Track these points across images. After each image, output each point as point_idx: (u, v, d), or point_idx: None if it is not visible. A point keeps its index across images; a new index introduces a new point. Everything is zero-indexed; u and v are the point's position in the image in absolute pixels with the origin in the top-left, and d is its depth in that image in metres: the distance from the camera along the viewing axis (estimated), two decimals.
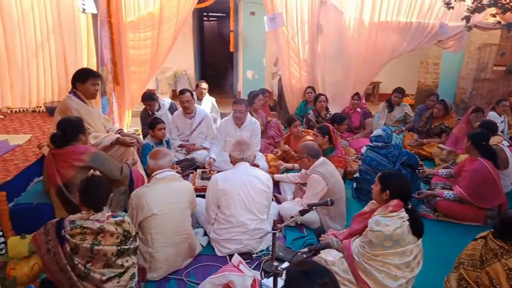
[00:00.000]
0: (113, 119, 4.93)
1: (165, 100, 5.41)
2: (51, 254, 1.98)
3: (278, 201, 3.53)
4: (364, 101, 5.50)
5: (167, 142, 4.31)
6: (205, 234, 2.99)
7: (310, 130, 4.75)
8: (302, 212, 2.44)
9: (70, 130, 2.76)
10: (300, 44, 5.70)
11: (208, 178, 3.74)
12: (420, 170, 3.97)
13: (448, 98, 5.46)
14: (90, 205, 2.06)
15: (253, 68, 7.82)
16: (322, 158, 3.18)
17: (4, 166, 3.02)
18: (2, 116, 4.48)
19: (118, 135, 3.34)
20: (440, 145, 4.75)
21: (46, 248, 1.99)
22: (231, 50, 7.68)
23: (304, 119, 5.42)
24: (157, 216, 2.47)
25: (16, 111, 4.76)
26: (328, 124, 4.00)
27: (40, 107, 4.95)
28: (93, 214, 2.04)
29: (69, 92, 3.25)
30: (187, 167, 4.22)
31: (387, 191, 2.29)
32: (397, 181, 2.32)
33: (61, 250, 1.95)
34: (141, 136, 4.59)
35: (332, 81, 5.85)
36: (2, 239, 2.58)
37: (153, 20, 5.06)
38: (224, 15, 10.73)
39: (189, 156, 4.48)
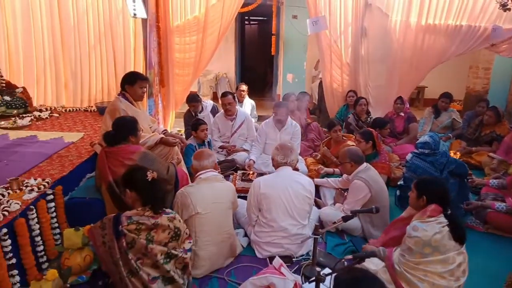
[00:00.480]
0: (158, 120, 5.12)
1: (208, 102, 5.53)
2: (106, 247, 2.09)
3: (318, 206, 3.50)
4: (408, 105, 5.33)
5: (209, 143, 4.41)
6: (246, 235, 3.03)
7: (350, 135, 4.68)
8: (345, 219, 2.42)
9: (122, 130, 2.90)
10: (343, 48, 5.63)
11: (248, 180, 3.80)
12: (469, 180, 3.79)
13: (499, 105, 5.17)
14: (152, 206, 2.17)
15: (293, 71, 7.82)
16: (365, 164, 3.12)
17: (60, 162, 3.22)
18: (58, 115, 4.77)
19: (162, 135, 3.47)
20: (491, 154, 4.50)
21: (102, 241, 2.11)
22: (272, 53, 7.72)
23: (344, 123, 5.34)
24: (201, 215, 2.54)
25: (69, 110, 5.06)
26: (371, 129, 3.92)
27: (92, 106, 5.24)
28: (148, 211, 2.14)
29: (118, 94, 3.42)
30: (227, 168, 4.29)
31: (424, 196, 2.26)
32: (433, 186, 2.28)
33: (116, 245, 2.05)
34: (184, 136, 4.73)
35: (376, 85, 5.71)
36: (58, 230, 2.76)
37: (198, 25, 5.20)
38: (265, 18, 10.80)
39: (229, 158, 4.55)
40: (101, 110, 4.91)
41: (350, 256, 2.03)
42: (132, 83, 3.37)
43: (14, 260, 2.24)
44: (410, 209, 2.44)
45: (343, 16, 5.48)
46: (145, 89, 3.47)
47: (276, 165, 2.92)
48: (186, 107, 5.21)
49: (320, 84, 6.45)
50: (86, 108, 5.18)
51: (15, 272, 2.25)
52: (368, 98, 5.51)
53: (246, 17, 10.98)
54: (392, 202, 3.60)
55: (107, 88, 5.62)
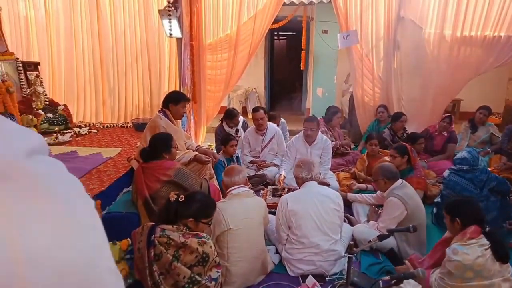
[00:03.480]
0: (191, 135, 5.24)
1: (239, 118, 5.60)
2: (140, 253, 2.16)
3: (351, 223, 3.43)
4: (453, 125, 5.09)
5: (237, 158, 4.45)
6: (277, 251, 3.01)
7: (386, 151, 4.56)
8: (381, 238, 2.36)
9: (156, 147, 3.00)
10: (375, 61, 5.57)
11: (279, 195, 3.79)
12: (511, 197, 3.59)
13: None
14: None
15: (323, 85, 7.80)
16: (400, 180, 3.04)
17: (99, 176, 3.35)
18: (96, 131, 4.99)
19: (195, 153, 3.55)
20: None
21: (137, 246, 2.18)
22: (302, 68, 7.75)
23: None
24: (233, 231, 2.56)
25: (107, 126, 5.28)
26: (405, 144, 3.83)
27: (128, 122, 5.44)
28: (181, 230, 2.18)
29: (159, 111, 3.55)
30: (257, 183, 4.30)
31: (457, 219, 2.18)
32: (464, 207, 2.20)
33: (146, 253, 2.11)
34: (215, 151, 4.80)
35: (409, 99, 5.59)
36: None
37: (230, 42, 5.33)
38: (294, 33, 10.89)
39: (259, 172, 4.56)
40: (136, 126, 5.09)
41: (387, 277, 1.97)
42: (176, 102, 3.53)
43: None
44: None
45: (375, 30, 5.44)
46: (185, 109, 3.61)
47: (301, 182, 2.91)
48: (217, 122, 5.29)
49: (351, 98, 6.39)
50: (123, 124, 5.38)
51: None
52: (401, 111, 5.39)
53: (276, 33, 11.13)
54: (428, 220, 3.47)
55: (143, 105, 5.84)
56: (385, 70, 5.59)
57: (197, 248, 2.16)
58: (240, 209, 2.65)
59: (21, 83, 4.80)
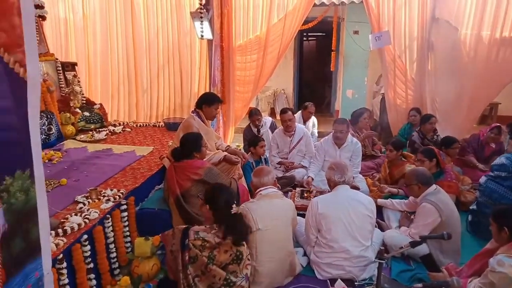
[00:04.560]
0: (220, 135, 5.31)
1: (267, 119, 5.63)
2: (173, 256, 2.20)
3: (381, 228, 3.36)
4: (502, 136, 4.73)
5: (265, 160, 4.45)
6: (305, 254, 3.00)
7: (410, 155, 4.40)
8: (414, 244, 2.30)
9: (187, 146, 3.08)
10: (408, 62, 5.43)
11: (307, 198, 3.77)
12: None
13: None
14: (232, 237, 2.21)
15: (353, 87, 7.69)
16: (434, 186, 2.95)
17: (132, 174, 3.46)
18: (129, 130, 5.15)
19: (225, 153, 3.61)
20: None
21: (170, 249, 2.22)
22: (332, 69, 7.67)
23: (408, 141, 5.10)
24: (261, 231, 2.56)
25: (140, 125, 5.44)
26: (431, 147, 3.72)
27: (159, 122, 5.58)
28: (214, 229, 2.21)
29: (192, 112, 3.62)
30: (285, 185, 4.30)
31: (505, 228, 2.07)
32: None
33: (180, 256, 2.14)
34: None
35: (443, 101, 5.41)
36: (129, 239, 2.96)
37: (259, 44, 5.36)
38: (323, 34, 10.78)
39: (287, 174, 4.55)
40: (168, 126, 5.21)
41: (419, 285, 1.92)
42: (210, 103, 3.60)
43: (91, 265, 2.44)
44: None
45: (408, 31, 5.31)
46: (219, 110, 3.67)
47: (333, 185, 2.87)
48: (245, 123, 5.33)
49: (382, 99, 6.26)
50: (155, 123, 5.53)
51: (92, 276, 2.44)
52: (435, 114, 5.23)
53: (305, 33, 11.06)
54: (463, 227, 3.35)
55: (174, 105, 5.98)
56: (419, 71, 5.45)
57: (231, 247, 2.19)
58: (269, 210, 2.66)
59: (60, 82, 5.02)
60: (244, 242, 2.28)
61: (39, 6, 3.08)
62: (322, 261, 2.74)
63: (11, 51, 1.19)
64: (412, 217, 3.17)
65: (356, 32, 7.31)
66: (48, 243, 1.55)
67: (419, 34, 5.30)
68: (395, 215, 3.46)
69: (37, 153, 1.37)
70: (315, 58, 12.10)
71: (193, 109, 3.70)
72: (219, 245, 2.17)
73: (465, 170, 4.51)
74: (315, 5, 5.69)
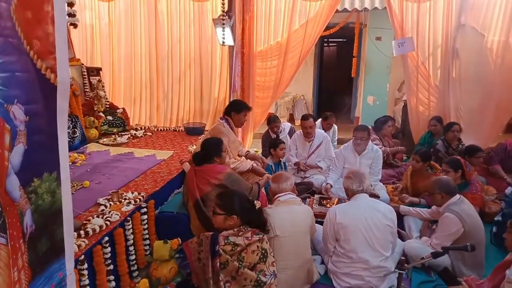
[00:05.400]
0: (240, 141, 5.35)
1: (286, 125, 5.62)
2: (201, 263, 2.19)
3: (402, 238, 3.29)
4: None
5: (284, 164, 4.45)
6: (323, 262, 2.97)
7: (437, 165, 4.30)
8: (435, 255, 2.24)
9: (208, 151, 3.12)
10: (431, 69, 5.33)
11: (326, 205, 3.73)
12: None
13: None
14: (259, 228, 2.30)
15: (375, 93, 7.60)
16: (458, 196, 2.88)
17: (153, 177, 3.52)
18: (150, 134, 5.24)
19: (252, 163, 3.66)
20: None
21: (197, 257, 2.22)
22: (353, 75, 7.62)
23: (432, 150, 4.98)
24: (279, 237, 2.55)
25: (160, 130, 5.53)
26: (458, 157, 3.62)
27: (180, 126, 5.66)
28: (242, 231, 2.22)
29: (221, 119, 3.67)
30: (303, 191, 4.27)
31: None
32: None
33: (210, 263, 2.13)
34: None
35: (468, 110, 5.27)
36: (148, 242, 3.00)
37: (280, 50, 5.37)
38: (344, 40, 10.73)
39: (306, 180, 4.53)
40: (188, 130, 5.28)
41: None
42: (239, 111, 3.66)
43: (111, 267, 2.49)
44: None
45: (432, 37, 5.21)
46: (247, 117, 3.75)
47: (351, 194, 2.82)
48: (263, 128, 5.34)
49: (404, 107, 6.15)
50: (175, 128, 5.61)
51: (112, 277, 2.49)
52: (459, 122, 5.10)
53: (326, 39, 11.04)
54: (487, 239, 3.24)
55: (193, 110, 6.05)
56: (443, 78, 5.33)
57: (257, 246, 2.20)
58: (287, 216, 2.64)
59: (85, 87, 5.17)
60: (265, 238, 2.29)
61: (71, 15, 3.20)
62: (340, 271, 2.70)
63: (43, 58, 1.25)
64: (434, 227, 3.09)
65: (378, 38, 7.25)
66: (72, 244, 1.60)
67: (443, 40, 5.20)
68: (416, 225, 3.39)
69: (64, 156, 1.42)
70: (336, 64, 12.06)
71: (221, 116, 3.74)
72: (247, 246, 2.17)
73: (490, 180, 4.37)
74: (337, 11, 5.66)
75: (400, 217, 3.46)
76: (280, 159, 4.36)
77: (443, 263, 2.79)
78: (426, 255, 2.31)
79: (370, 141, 4.30)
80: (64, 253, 1.52)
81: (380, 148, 4.57)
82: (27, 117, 1.24)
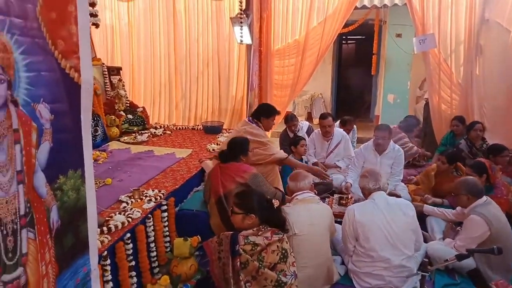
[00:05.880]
0: None
1: (303, 123, 5.58)
2: (221, 263, 2.20)
3: (425, 239, 3.21)
4: None
5: (306, 162, 4.42)
6: (343, 262, 2.93)
7: (462, 166, 4.18)
8: (460, 257, 2.18)
9: (235, 150, 3.15)
10: (454, 66, 5.19)
11: (346, 204, 3.68)
12: None
13: None
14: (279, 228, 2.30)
15: (395, 91, 7.47)
16: (485, 198, 2.79)
17: (172, 175, 3.55)
18: (170, 132, 5.30)
19: (286, 154, 3.76)
20: None
21: (218, 256, 2.23)
22: (372, 73, 7.51)
23: (455, 149, 4.86)
24: (298, 236, 2.54)
25: (179, 128, 5.58)
26: (483, 161, 3.51)
27: (198, 125, 5.69)
28: (261, 231, 2.22)
29: (250, 121, 3.72)
30: (323, 191, 4.22)
31: None
32: None
33: (230, 263, 2.14)
34: None
35: (492, 107, 5.11)
36: (168, 239, 3.03)
37: (297, 47, 5.34)
38: (363, 37, 10.58)
39: (325, 180, 4.47)
40: (206, 129, 5.31)
41: None
42: (268, 116, 3.71)
43: (133, 263, 2.52)
44: None
45: (455, 33, 5.08)
46: (275, 121, 3.84)
47: (368, 193, 2.79)
48: (281, 127, 5.31)
49: (426, 105, 6.02)
50: (193, 126, 5.65)
51: (133, 273, 2.52)
52: (483, 121, 4.95)
53: (344, 37, 10.91)
54: None
55: (211, 109, 6.09)
56: (465, 76, 5.19)
57: (277, 246, 2.19)
58: (305, 215, 2.63)
59: (106, 86, 5.25)
60: (285, 238, 2.28)
61: (93, 15, 3.27)
62: (360, 271, 2.67)
63: (67, 57, 1.27)
64: (458, 228, 3.01)
65: (399, 35, 7.13)
66: (95, 240, 1.62)
67: (466, 36, 5.06)
68: (440, 226, 3.30)
69: (88, 154, 1.44)
70: (354, 61, 11.91)
71: (250, 118, 3.76)
72: (267, 246, 2.16)
73: None
74: (356, 8, 5.58)
75: (422, 218, 3.39)
76: (302, 156, 4.32)
77: (468, 266, 2.72)
78: (450, 258, 2.25)
79: (391, 140, 4.22)
80: (89, 248, 1.55)
81: (412, 146, 4.48)
82: (52, 115, 1.27)
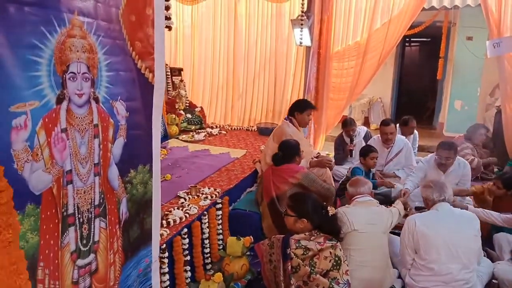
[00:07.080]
0: (311, 142, 5.27)
1: (361, 128, 5.39)
2: (272, 266, 2.20)
3: (491, 259, 2.96)
4: None
5: (373, 174, 4.18)
6: (399, 276, 2.80)
7: None
8: None
9: (290, 151, 3.13)
10: None
11: (405, 216, 3.49)
12: None
13: None
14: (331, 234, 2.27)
15: (463, 97, 6.98)
16: None
17: (227, 175, 3.63)
18: (225, 132, 5.42)
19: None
20: None
21: (269, 259, 2.23)
22: (438, 77, 7.09)
23: None
24: (357, 232, 2.50)
25: (234, 129, 5.69)
26: None
27: (252, 126, 5.77)
28: (313, 236, 2.19)
29: (285, 119, 3.67)
30: (381, 202, 4.00)
31: None
32: None
33: (281, 266, 2.13)
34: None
35: None
36: (221, 237, 3.09)
37: (358, 50, 5.18)
38: (428, 39, 10.02)
39: (383, 191, 4.26)
40: (260, 130, 5.36)
41: None
42: (302, 110, 3.61)
43: (188, 258, 2.61)
44: None
45: None
46: (311, 116, 3.66)
47: (432, 204, 2.63)
48: (337, 131, 5.18)
49: (497, 113, 5.55)
50: (248, 127, 5.73)
51: (188, 268, 2.60)
52: None
53: (407, 39, 10.40)
54: None
55: (266, 111, 6.12)
56: None
57: (331, 252, 2.15)
58: (365, 214, 2.61)
59: (168, 86, 5.51)
60: (339, 246, 2.23)
61: (167, 18, 3.45)
62: (419, 285, 2.51)
63: (143, 58, 1.34)
64: None
65: (469, 38, 6.64)
66: (158, 232, 1.70)
67: None
68: (509, 245, 3.01)
69: (156, 151, 1.52)
70: (417, 65, 11.31)
71: (286, 116, 3.72)
72: (319, 252, 2.13)
73: None
74: (423, 9, 5.30)
75: (491, 237, 3.12)
76: (371, 169, 3.95)
77: None
78: None
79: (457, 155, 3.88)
80: (151, 240, 1.62)
81: (473, 159, 4.17)
82: (128, 112, 1.35)
